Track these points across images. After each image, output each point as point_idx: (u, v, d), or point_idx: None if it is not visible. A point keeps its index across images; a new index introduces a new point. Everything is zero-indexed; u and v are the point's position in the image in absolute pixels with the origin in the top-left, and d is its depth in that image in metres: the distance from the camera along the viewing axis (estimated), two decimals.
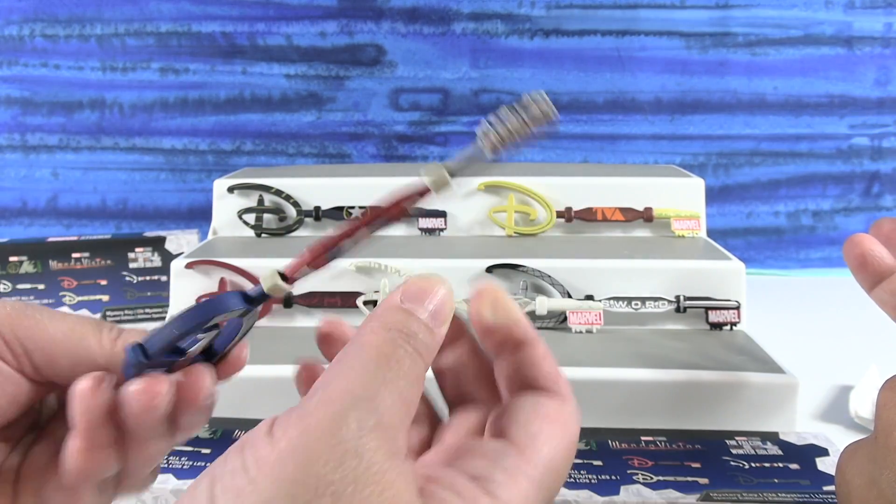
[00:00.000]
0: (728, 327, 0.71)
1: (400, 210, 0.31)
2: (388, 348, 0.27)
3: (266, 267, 0.74)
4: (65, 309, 0.88)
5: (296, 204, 0.84)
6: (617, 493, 0.48)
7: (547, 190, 0.83)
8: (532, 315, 0.71)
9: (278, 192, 0.84)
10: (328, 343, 0.36)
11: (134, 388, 0.28)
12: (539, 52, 1.10)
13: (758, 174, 1.13)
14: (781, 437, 0.55)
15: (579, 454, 0.53)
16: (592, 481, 0.49)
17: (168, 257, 0.88)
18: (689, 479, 0.49)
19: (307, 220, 0.84)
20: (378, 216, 0.30)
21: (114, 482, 0.31)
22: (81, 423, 0.28)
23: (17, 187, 1.13)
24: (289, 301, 0.73)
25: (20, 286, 0.87)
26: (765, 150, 1.12)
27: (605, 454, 0.53)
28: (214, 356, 0.32)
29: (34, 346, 0.30)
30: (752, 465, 0.51)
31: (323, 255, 0.31)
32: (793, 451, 0.53)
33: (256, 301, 0.30)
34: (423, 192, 0.31)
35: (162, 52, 1.10)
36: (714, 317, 0.71)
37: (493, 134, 0.29)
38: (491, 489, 0.25)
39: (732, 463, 0.51)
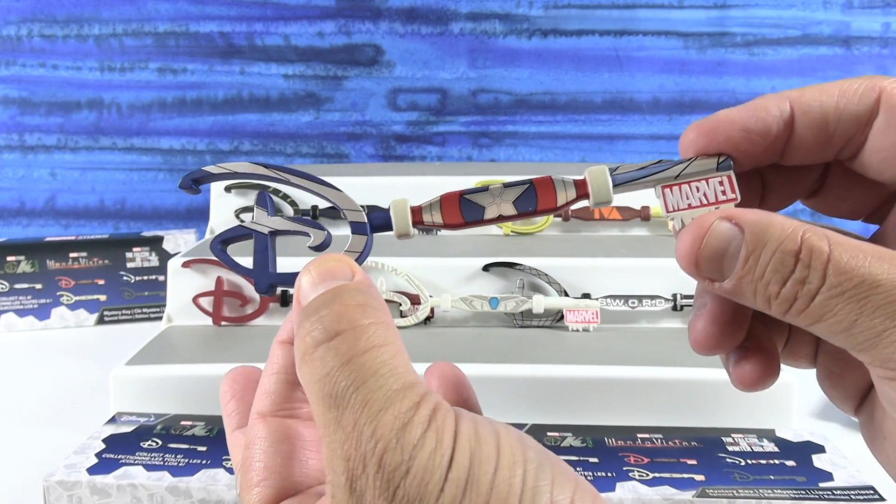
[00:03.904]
0: None
1: (552, 210, 0.29)
2: (313, 373, 0.23)
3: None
4: (62, 309, 0.88)
5: (293, 203, 0.84)
6: (613, 489, 0.48)
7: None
8: (529, 313, 0.71)
9: (275, 192, 0.84)
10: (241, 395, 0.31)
11: None
12: (537, 52, 1.10)
13: None
14: (778, 433, 0.55)
15: (575, 451, 0.52)
16: (588, 478, 0.49)
17: (166, 257, 0.88)
18: (686, 475, 0.49)
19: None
20: (529, 214, 0.29)
21: None
22: None
23: (15, 187, 1.13)
24: (285, 300, 0.73)
25: (17, 286, 0.87)
26: None
27: (601, 451, 0.53)
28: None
29: None
30: (749, 461, 0.51)
31: (461, 222, 0.29)
32: (789, 448, 0.53)
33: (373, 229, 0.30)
34: (580, 198, 0.29)
35: (160, 53, 1.10)
36: None
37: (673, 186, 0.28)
38: None
39: (729, 460, 0.51)
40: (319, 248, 0.30)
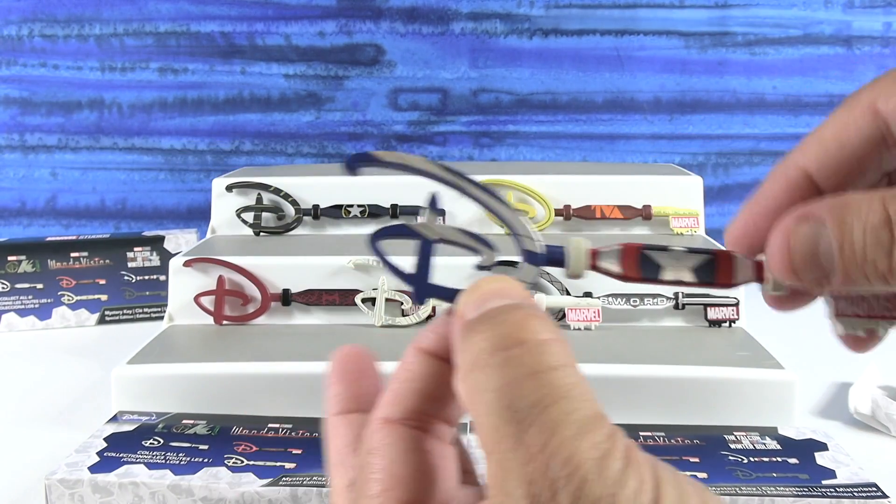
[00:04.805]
0: (727, 324, 0.71)
1: (728, 286, 0.27)
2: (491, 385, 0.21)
3: (270, 265, 0.74)
4: (63, 308, 0.88)
5: (294, 202, 0.84)
6: None
7: (545, 188, 0.83)
8: None
9: (277, 191, 0.84)
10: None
11: None
12: (538, 52, 1.10)
13: (757, 174, 1.13)
14: (780, 431, 0.55)
15: None
16: None
17: (167, 257, 0.88)
18: (688, 473, 0.49)
19: (306, 218, 0.84)
20: (706, 285, 0.28)
21: None
22: None
23: (16, 187, 1.13)
24: (287, 299, 0.73)
25: (19, 285, 0.87)
26: (764, 150, 1.12)
27: None
28: None
29: None
30: (751, 459, 0.51)
31: (638, 277, 0.28)
32: (791, 446, 0.53)
33: (539, 262, 0.28)
34: (756, 281, 0.27)
35: (161, 52, 1.10)
36: (713, 314, 0.71)
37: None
38: None
39: (731, 457, 0.51)
40: (485, 268, 0.29)
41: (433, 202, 0.30)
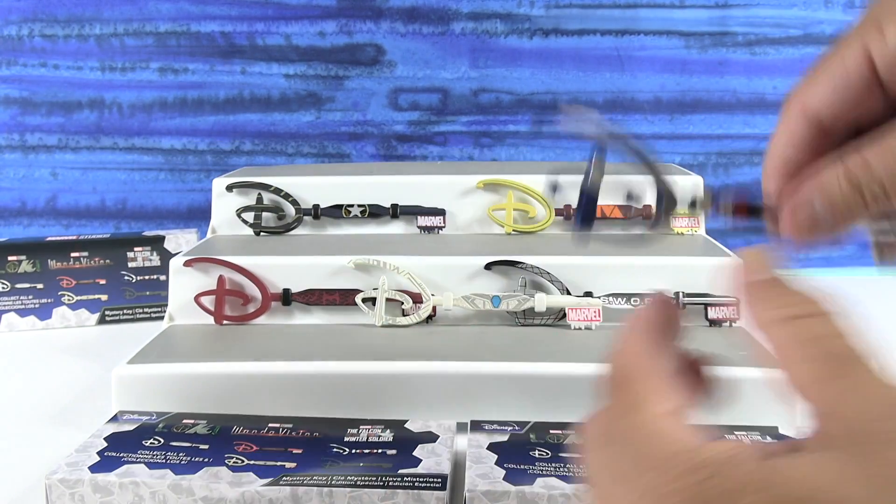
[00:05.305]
0: (727, 324, 0.71)
1: None
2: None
3: (271, 265, 0.74)
4: (63, 308, 0.88)
5: (295, 202, 0.84)
6: None
7: (546, 188, 0.83)
8: (531, 312, 0.71)
9: (277, 191, 0.84)
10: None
11: None
12: (538, 52, 1.10)
13: (757, 174, 1.13)
14: (780, 431, 0.55)
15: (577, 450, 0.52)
16: None
17: (167, 257, 0.87)
18: None
19: (306, 218, 0.84)
20: None
21: None
22: None
23: (16, 187, 1.13)
24: (287, 299, 0.73)
25: (19, 285, 0.87)
26: (764, 150, 1.12)
27: None
28: None
29: None
30: None
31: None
32: None
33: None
34: None
35: (161, 52, 1.10)
36: (713, 313, 0.71)
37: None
38: None
39: None
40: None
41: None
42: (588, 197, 0.35)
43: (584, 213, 0.35)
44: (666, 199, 0.33)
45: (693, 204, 0.35)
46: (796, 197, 0.30)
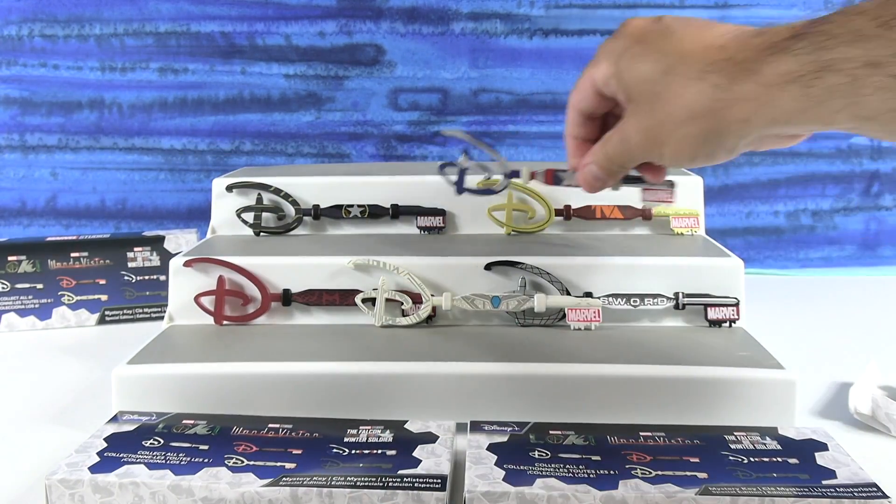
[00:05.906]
0: (727, 324, 0.71)
1: None
2: None
3: (270, 265, 0.74)
4: (63, 308, 0.88)
5: (294, 203, 0.84)
6: (615, 487, 0.48)
7: (545, 188, 0.83)
8: (530, 312, 0.71)
9: (277, 191, 0.84)
10: None
11: None
12: (538, 52, 1.10)
13: (757, 174, 1.13)
14: (780, 431, 0.55)
15: (578, 449, 0.52)
16: (591, 476, 0.49)
17: (167, 257, 0.88)
18: (688, 473, 0.49)
19: (306, 218, 0.84)
20: None
21: None
22: None
23: (16, 187, 1.13)
24: (287, 299, 0.73)
25: (19, 285, 0.87)
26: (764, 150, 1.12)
27: (603, 449, 0.52)
28: None
29: None
30: (751, 459, 0.51)
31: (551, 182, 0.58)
32: (791, 446, 0.53)
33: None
34: None
35: (161, 52, 1.10)
36: (713, 314, 0.71)
37: None
38: None
39: (731, 457, 0.51)
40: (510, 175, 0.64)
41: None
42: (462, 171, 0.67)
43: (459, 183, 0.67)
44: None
45: (513, 174, 0.64)
46: (582, 168, 0.51)
